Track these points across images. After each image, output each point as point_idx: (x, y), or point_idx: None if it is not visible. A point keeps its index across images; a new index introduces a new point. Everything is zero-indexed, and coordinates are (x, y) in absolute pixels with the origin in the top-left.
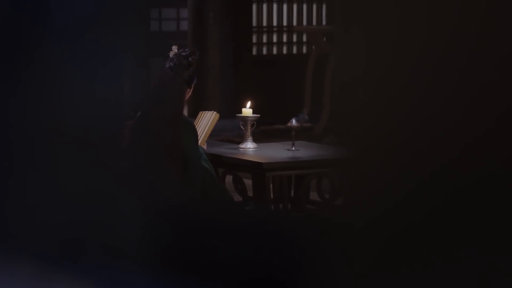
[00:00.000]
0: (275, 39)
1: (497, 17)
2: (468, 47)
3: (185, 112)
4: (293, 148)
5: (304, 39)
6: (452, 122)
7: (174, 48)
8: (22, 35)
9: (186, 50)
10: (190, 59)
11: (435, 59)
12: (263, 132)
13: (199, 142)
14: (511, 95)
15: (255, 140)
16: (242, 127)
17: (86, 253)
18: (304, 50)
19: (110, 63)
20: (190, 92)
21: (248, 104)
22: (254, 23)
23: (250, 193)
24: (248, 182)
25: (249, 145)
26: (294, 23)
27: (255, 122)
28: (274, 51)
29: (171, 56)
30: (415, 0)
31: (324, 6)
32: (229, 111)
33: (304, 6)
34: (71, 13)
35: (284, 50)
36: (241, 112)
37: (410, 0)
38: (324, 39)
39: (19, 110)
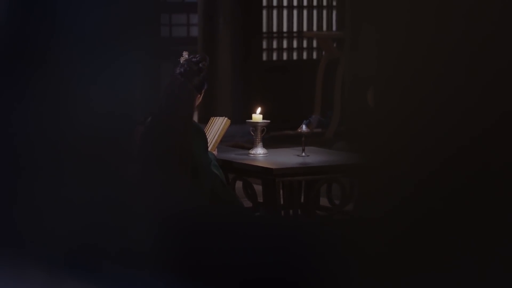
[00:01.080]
0: (285, 44)
1: (504, 18)
2: (477, 45)
3: (195, 117)
4: (303, 154)
5: (314, 44)
6: (473, 127)
7: (185, 54)
8: (29, 39)
9: (197, 56)
10: (200, 65)
11: (445, 61)
12: (273, 137)
13: (210, 148)
14: None
15: (265, 145)
16: (252, 132)
17: (96, 259)
18: (315, 55)
19: (120, 69)
20: (200, 98)
21: (258, 110)
22: (264, 29)
23: (260, 199)
24: (258, 188)
25: (259, 151)
26: (304, 28)
27: (265, 128)
28: (284, 56)
29: (181, 62)
30: (424, 4)
31: (334, 12)
32: (239, 117)
33: (314, 12)
34: (81, 18)
35: (294, 56)
36: (251, 118)
37: (419, 4)
38: (334, 44)
39: (26, 115)
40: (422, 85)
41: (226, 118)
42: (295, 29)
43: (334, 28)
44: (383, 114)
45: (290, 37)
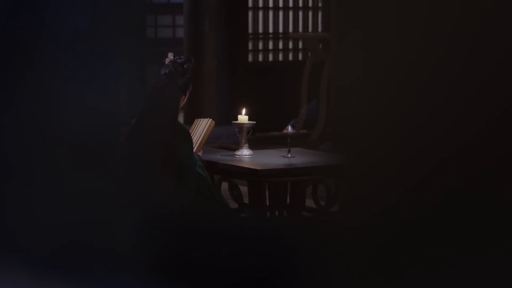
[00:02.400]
0: (271, 46)
1: (494, 19)
2: (465, 49)
3: (181, 119)
4: (289, 155)
5: (300, 46)
6: (449, 127)
7: (170, 55)
8: (18, 41)
9: (182, 57)
10: (185, 66)
11: (431, 64)
12: (259, 139)
13: (195, 149)
14: (507, 96)
15: (251, 147)
16: (238, 134)
17: (81, 258)
18: (300, 57)
19: (106, 69)
20: (185, 99)
21: (244, 111)
22: (250, 30)
23: (246, 200)
24: (244, 189)
25: (245, 152)
26: (290, 30)
27: (251, 129)
28: (270, 58)
29: (166, 63)
30: (412, 6)
31: (319, 13)
32: (225, 118)
33: (300, 13)
34: (68, 20)
35: (280, 57)
36: (236, 119)
37: (407, 6)
38: (320, 46)
39: (16, 115)
40: (410, 90)
41: (210, 120)
42: (280, 30)
43: (319, 29)
44: (369, 118)
45: (275, 38)
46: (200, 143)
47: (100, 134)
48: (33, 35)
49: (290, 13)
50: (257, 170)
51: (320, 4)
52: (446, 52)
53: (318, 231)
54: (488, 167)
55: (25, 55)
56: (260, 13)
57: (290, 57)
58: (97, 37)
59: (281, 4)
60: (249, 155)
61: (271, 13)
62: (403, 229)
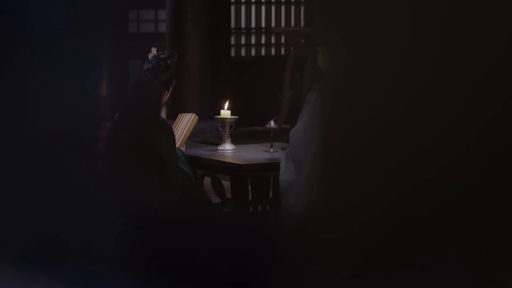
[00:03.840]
0: (253, 40)
1: (489, 20)
2: (459, 48)
3: (163, 114)
4: (272, 149)
5: (283, 40)
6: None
7: (153, 50)
8: None
9: (165, 52)
10: (168, 61)
11: (417, 60)
12: (242, 133)
13: (178, 144)
14: (503, 96)
15: (233, 141)
16: (220, 128)
17: (62, 256)
18: (283, 51)
19: (83, 63)
20: (168, 95)
21: (226, 105)
22: (233, 25)
23: (229, 195)
24: (226, 183)
25: (228, 147)
26: (273, 24)
27: (233, 124)
28: (253, 52)
29: (149, 58)
30: (393, 6)
31: (302, 8)
32: (208, 113)
33: (282, 8)
34: (46, 14)
35: (263, 52)
36: (219, 114)
37: (393, 3)
38: (303, 40)
39: None
40: (381, 88)
41: (194, 114)
42: (263, 25)
43: (302, 24)
44: (353, 115)
45: (258, 33)
46: (184, 138)
47: (77, 128)
48: (10, 31)
49: (273, 8)
50: (240, 164)
51: None
52: (439, 51)
53: (301, 226)
54: (485, 168)
55: (3, 52)
56: (243, 8)
57: (273, 51)
58: (73, 30)
59: None
60: (231, 149)
61: (253, 8)
62: (397, 231)
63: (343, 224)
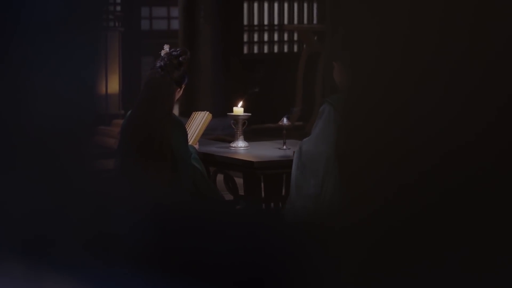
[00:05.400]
0: (266, 38)
1: (488, 20)
2: (461, 46)
3: (176, 111)
4: (284, 147)
5: (295, 38)
6: (444, 125)
7: (166, 47)
8: None
9: (177, 49)
10: (180, 58)
11: (426, 57)
12: (254, 131)
13: (191, 141)
14: (503, 95)
15: (246, 139)
16: (233, 126)
17: (73, 253)
18: (295, 49)
19: (77, 59)
20: (181, 92)
21: (239, 103)
22: (245, 22)
23: (241, 192)
24: (239, 181)
25: (240, 144)
26: (285, 21)
27: (246, 121)
28: (265, 50)
29: (162, 55)
30: (399, 8)
31: (315, 5)
32: (221, 110)
33: (295, 5)
34: (44, 9)
35: (275, 49)
36: (232, 111)
37: (397, 3)
38: (315, 37)
39: None
40: (402, 87)
41: (207, 113)
42: (276, 22)
43: (315, 21)
44: (366, 112)
45: (271, 30)
46: (197, 135)
47: (72, 125)
48: (7, 26)
49: (286, 5)
50: (253, 162)
51: None
52: (438, 50)
53: (314, 223)
54: (486, 165)
55: None
56: (256, 5)
57: (286, 49)
58: (67, 26)
59: None
60: (244, 147)
61: (266, 5)
62: (401, 226)
63: (354, 227)
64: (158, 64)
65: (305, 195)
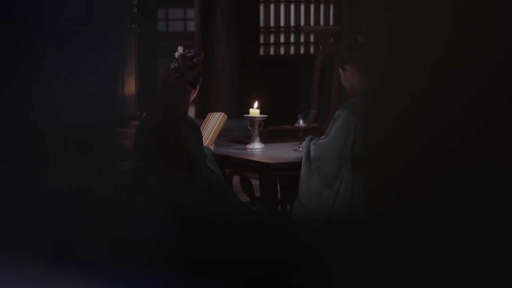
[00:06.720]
0: (282, 39)
1: (495, 19)
2: (466, 48)
3: (191, 113)
4: (301, 148)
5: (312, 39)
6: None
7: (180, 49)
8: (13, 33)
9: (191, 51)
10: (195, 60)
11: (431, 63)
12: (271, 132)
13: (207, 143)
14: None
15: (262, 140)
16: (249, 127)
17: (91, 254)
18: (312, 50)
19: (102, 61)
20: (195, 93)
21: (256, 104)
22: (262, 24)
23: (258, 194)
24: (255, 182)
25: (257, 146)
26: (302, 23)
27: (262, 123)
28: (282, 51)
29: (176, 57)
30: (415, 5)
31: (331, 7)
32: (236, 112)
33: (312, 6)
34: (66, 14)
35: (292, 51)
36: (248, 113)
37: (409, 5)
38: (332, 39)
39: (11, 108)
40: (413, 87)
41: (223, 114)
42: (292, 23)
43: (331, 22)
44: (381, 113)
45: (287, 32)
46: (212, 136)
47: (97, 127)
48: (28, 27)
49: (302, 7)
50: (269, 163)
51: None
52: (446, 50)
53: (329, 225)
54: (491, 164)
55: (20, 47)
56: (272, 6)
57: (302, 50)
58: (93, 29)
59: None
60: (260, 148)
61: (282, 6)
62: (414, 223)
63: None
64: (172, 66)
65: (316, 198)
